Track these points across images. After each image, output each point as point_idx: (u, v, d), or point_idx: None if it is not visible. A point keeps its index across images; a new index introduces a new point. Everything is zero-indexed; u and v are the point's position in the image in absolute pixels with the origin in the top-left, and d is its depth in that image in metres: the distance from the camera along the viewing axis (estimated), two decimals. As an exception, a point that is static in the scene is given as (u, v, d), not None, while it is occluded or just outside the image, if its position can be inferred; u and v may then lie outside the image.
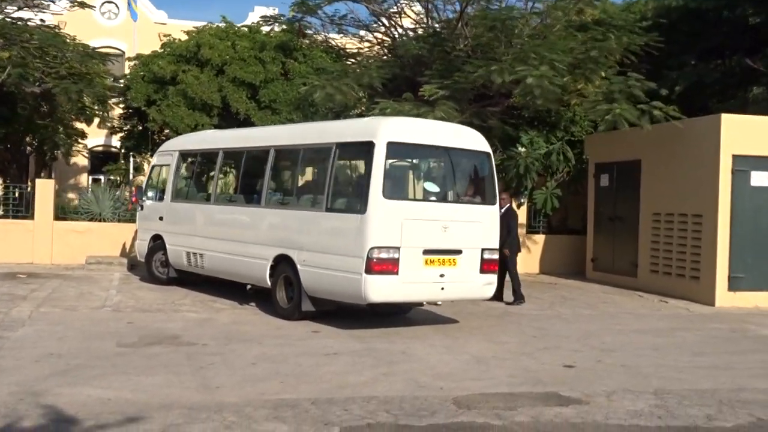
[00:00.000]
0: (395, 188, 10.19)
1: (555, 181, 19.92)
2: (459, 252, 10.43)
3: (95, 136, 27.33)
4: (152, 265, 14.33)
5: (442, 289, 10.30)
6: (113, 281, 14.52)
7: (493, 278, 10.88)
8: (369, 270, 9.75)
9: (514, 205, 14.32)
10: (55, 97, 16.54)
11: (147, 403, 6.62)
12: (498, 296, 13.48)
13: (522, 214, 19.27)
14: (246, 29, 18.83)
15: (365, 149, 10.00)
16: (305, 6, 17.38)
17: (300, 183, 11.46)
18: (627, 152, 17.07)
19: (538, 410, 6.88)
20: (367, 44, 19.78)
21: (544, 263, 19.64)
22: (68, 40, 17.63)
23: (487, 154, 10.93)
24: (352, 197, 10.28)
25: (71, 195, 19.08)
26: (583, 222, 19.38)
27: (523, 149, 18.89)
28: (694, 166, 14.94)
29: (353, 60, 19.69)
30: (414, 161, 11.15)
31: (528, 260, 18.96)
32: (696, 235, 14.91)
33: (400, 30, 19.24)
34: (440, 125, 11.19)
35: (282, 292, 11.18)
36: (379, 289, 9.84)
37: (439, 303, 12.19)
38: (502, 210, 14.11)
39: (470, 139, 10.87)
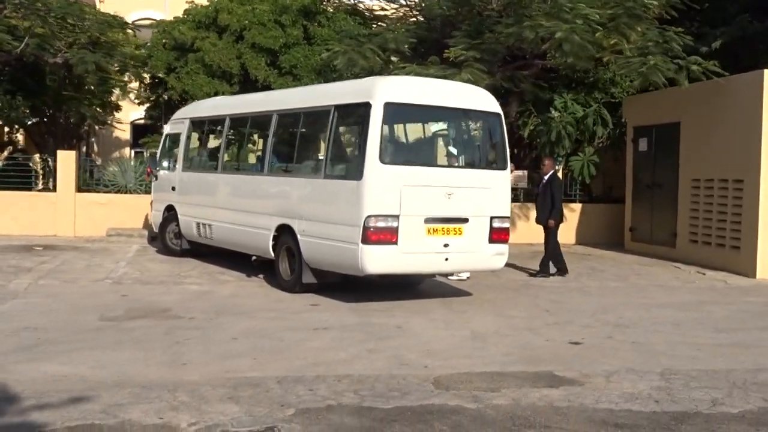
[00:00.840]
0: (394, 152, 9.59)
1: (592, 147, 19.02)
2: (465, 220, 9.80)
3: (137, 109, 27.26)
4: (166, 237, 14.03)
5: (447, 260, 9.70)
6: (128, 253, 14.27)
7: (503, 248, 10.22)
8: (366, 240, 9.20)
9: (558, 173, 13.36)
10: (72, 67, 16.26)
11: (100, 381, 6.22)
12: (561, 270, 12.86)
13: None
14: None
15: (362, 111, 9.41)
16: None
17: (300, 149, 10.92)
18: (665, 114, 16.10)
19: (522, 392, 6.27)
20: (394, 6, 19.06)
21: (581, 233, 18.77)
22: (87, 9, 17.30)
23: (497, 114, 10.21)
24: (349, 163, 9.71)
25: (113, 168, 18.83)
26: (622, 190, 18.46)
27: (556, 113, 18.03)
28: (735, 127, 13.94)
29: (380, 23, 19.00)
30: (415, 123, 10.44)
31: (563, 230, 17.89)
32: (736, 202, 13.94)
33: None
34: (444, 84, 10.51)
35: (285, 264, 10.73)
36: (376, 260, 9.29)
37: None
38: (545, 178, 13.44)
39: (478, 99, 10.17)
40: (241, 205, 11.73)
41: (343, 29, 16.80)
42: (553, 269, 13.00)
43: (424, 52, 17.63)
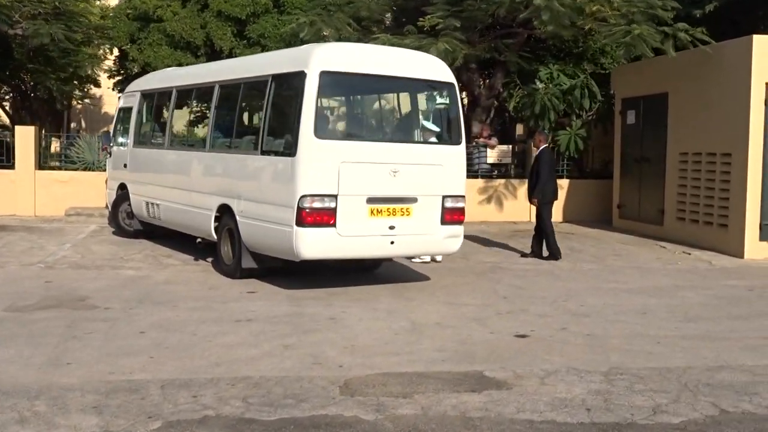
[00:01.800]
0: (331, 126, 8.78)
1: (580, 121, 18.10)
2: (413, 200, 8.99)
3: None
4: (118, 217, 13.30)
5: (392, 243, 8.90)
6: (81, 234, 13.55)
7: (458, 230, 9.41)
8: (300, 222, 8.41)
9: (547, 147, 12.36)
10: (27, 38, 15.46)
11: (-41, 387, 5.49)
12: (536, 252, 12.13)
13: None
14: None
15: (297, 81, 8.58)
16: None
17: (239, 123, 10.11)
18: (653, 85, 15.16)
19: (437, 398, 5.49)
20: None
21: (568, 211, 17.85)
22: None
23: (450, 84, 9.34)
24: (284, 138, 8.88)
25: (80, 144, 18.05)
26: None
27: (541, 85, 17.10)
28: (723, 97, 13.00)
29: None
30: (356, 94, 9.56)
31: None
32: (725, 177, 13.04)
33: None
34: (390, 51, 9.67)
35: (227, 247, 9.97)
36: (312, 244, 8.51)
37: (428, 259, 10.94)
38: (537, 152, 12.65)
39: (429, 68, 9.30)
40: (185, 184, 10.98)
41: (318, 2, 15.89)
42: (545, 252, 12.18)
43: (405, 21, 16.73)
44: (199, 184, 10.57)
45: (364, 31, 16.63)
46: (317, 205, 8.42)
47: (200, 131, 10.90)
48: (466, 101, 21.37)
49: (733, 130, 12.68)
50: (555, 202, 12.85)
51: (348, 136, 8.90)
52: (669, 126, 14.67)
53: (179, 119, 11.52)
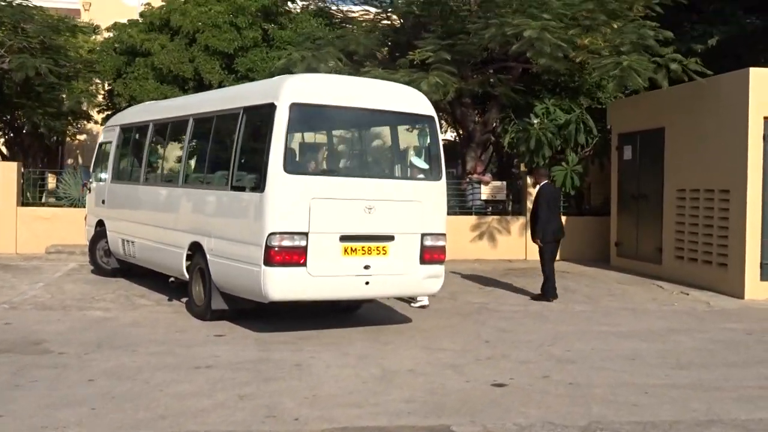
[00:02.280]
0: (302, 160, 8.36)
1: (577, 156, 17.66)
2: (390, 238, 8.53)
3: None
4: (96, 255, 12.87)
5: (367, 283, 8.42)
6: (57, 273, 13.11)
7: (438, 270, 8.93)
8: (268, 261, 7.96)
9: (548, 183, 11.85)
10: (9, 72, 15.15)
11: None
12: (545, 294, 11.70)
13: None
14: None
15: (267, 113, 8.19)
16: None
17: (212, 157, 9.70)
18: (649, 119, 14.75)
19: (395, 458, 4.98)
20: (364, 9, 17.89)
21: (566, 249, 17.11)
22: (33, 11, 16.22)
23: (429, 117, 8.93)
24: (254, 173, 8.45)
25: (65, 180, 17.69)
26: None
27: (536, 119, 16.71)
28: (721, 132, 12.57)
29: (349, 26, 17.80)
30: (329, 127, 9.13)
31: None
32: (723, 214, 12.55)
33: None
34: (366, 83, 9.28)
35: (198, 287, 9.51)
36: (281, 285, 8.04)
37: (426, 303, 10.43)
38: (538, 189, 12.22)
39: (407, 100, 8.90)
40: (158, 220, 10.57)
41: (305, 32, 15.56)
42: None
43: (399, 56, 16.44)
44: (171, 220, 10.17)
45: (355, 65, 16.36)
46: (287, 243, 7.97)
47: (174, 166, 10.51)
48: (456, 136, 21.14)
49: (731, 165, 12.23)
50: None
51: (320, 171, 8.48)
52: (666, 162, 14.23)
53: (155, 154, 11.14)
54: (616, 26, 13.48)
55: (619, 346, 8.63)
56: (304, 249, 8.04)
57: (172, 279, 10.52)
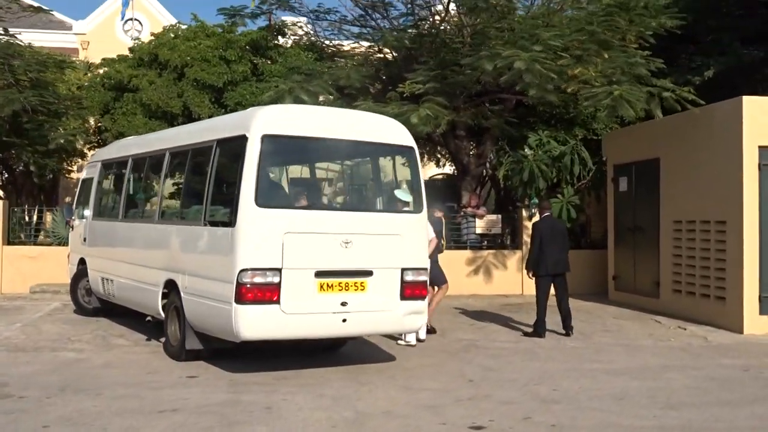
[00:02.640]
0: (275, 194, 8.06)
1: (572, 188, 17.39)
2: (368, 273, 8.23)
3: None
4: (77, 294, 12.58)
5: (344, 321, 8.09)
6: (39, 313, 12.81)
7: (420, 306, 8.61)
8: (240, 298, 7.65)
9: (548, 216, 11.53)
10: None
11: None
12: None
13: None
14: (219, 29, 16.96)
15: (238, 145, 7.95)
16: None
17: (187, 192, 9.45)
18: (644, 150, 14.48)
19: None
20: (350, 42, 17.78)
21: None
22: (21, 48, 16.11)
23: (409, 148, 8.66)
24: (225, 207, 8.18)
25: (52, 218, 17.45)
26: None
27: (530, 151, 16.44)
28: (715, 162, 12.28)
29: (340, 59, 17.66)
30: (303, 159, 8.85)
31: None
32: (720, 246, 12.21)
33: (388, 24, 17.13)
34: (343, 113, 9.02)
35: (174, 326, 9.19)
36: (252, 323, 7.72)
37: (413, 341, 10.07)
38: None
39: (386, 131, 8.64)
40: (135, 258, 10.29)
41: (294, 65, 15.39)
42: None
43: (392, 89, 16.27)
44: (148, 258, 9.89)
45: (347, 98, 16.19)
46: (258, 280, 7.67)
47: (150, 202, 10.26)
48: (454, 170, 20.85)
49: (727, 196, 11.92)
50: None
51: (294, 204, 8.16)
52: (661, 193, 13.92)
53: (133, 189, 10.88)
54: (607, 56, 13.26)
55: (608, 384, 8.25)
56: (277, 286, 7.73)
57: (148, 318, 10.21)
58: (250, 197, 7.66)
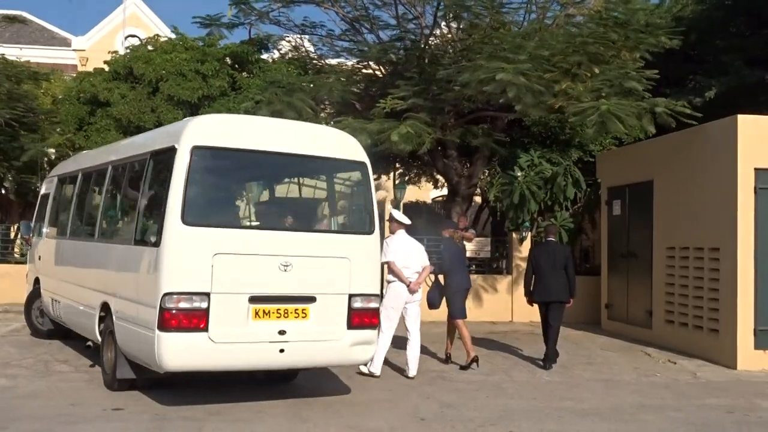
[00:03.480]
0: (205, 210, 7.35)
1: (566, 211, 16.62)
2: (310, 300, 7.52)
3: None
4: (31, 315, 11.92)
5: (282, 351, 7.36)
6: (-8, 334, 12.17)
7: (369, 335, 7.88)
8: (163, 325, 6.96)
9: (547, 241, 10.92)
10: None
11: None
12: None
13: (525, 249, 16.03)
14: (201, 42, 16.39)
15: (168, 158, 7.30)
16: (252, 9, 14.88)
17: (122, 208, 8.79)
18: (638, 172, 13.72)
19: None
20: (338, 59, 17.16)
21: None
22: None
23: (361, 164, 7.95)
24: (153, 224, 7.51)
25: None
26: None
27: (520, 172, 15.71)
28: (709, 184, 11.50)
29: (325, 74, 17.02)
30: (239, 173, 8.10)
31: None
32: (713, 275, 11.40)
33: (375, 38, 16.49)
34: (287, 124, 8.34)
35: (110, 352, 8.47)
36: (176, 353, 7.02)
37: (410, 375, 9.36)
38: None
39: (335, 145, 7.94)
40: (77, 278, 9.65)
41: (273, 80, 14.78)
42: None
43: (377, 105, 15.62)
44: (87, 278, 9.24)
45: (332, 116, 15.55)
46: (184, 305, 6.97)
47: (92, 218, 9.61)
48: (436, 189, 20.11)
49: (721, 221, 11.13)
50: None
51: (226, 222, 7.45)
52: (655, 217, 13.14)
53: (79, 205, 10.25)
54: (597, 71, 12.52)
55: (573, 427, 7.47)
56: (205, 312, 7.03)
57: (89, 343, 9.55)
58: (176, 214, 6.99)
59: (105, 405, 7.72)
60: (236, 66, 16.14)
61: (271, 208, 7.91)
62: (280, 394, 8.44)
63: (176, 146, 7.15)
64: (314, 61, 17.04)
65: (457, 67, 13.37)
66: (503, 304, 16.09)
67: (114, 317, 8.09)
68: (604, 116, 11.40)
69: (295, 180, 7.96)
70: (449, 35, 16.05)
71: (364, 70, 17.14)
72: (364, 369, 9.48)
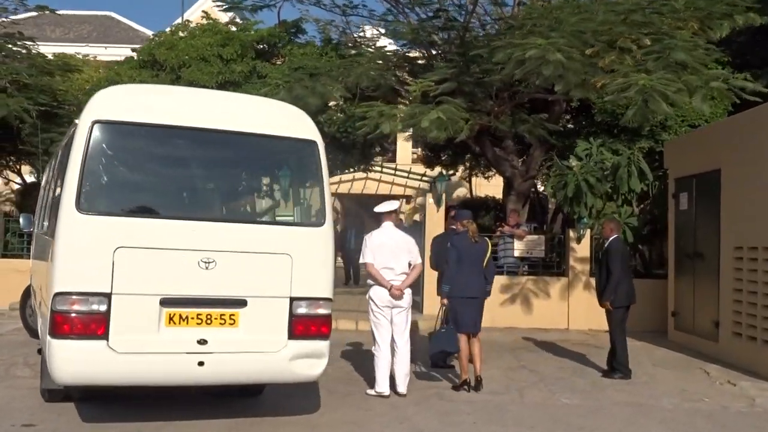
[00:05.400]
0: (106, 197, 6.25)
1: (633, 206, 14.83)
2: (240, 303, 6.30)
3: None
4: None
5: (202, 364, 6.16)
6: (-9, 332, 11.59)
7: (317, 347, 6.57)
8: (54, 330, 5.91)
9: (618, 237, 9.90)
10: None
11: None
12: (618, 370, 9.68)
13: (584, 249, 14.35)
14: (233, 27, 15.47)
15: (72, 135, 6.24)
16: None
17: (54, 196, 7.77)
18: (705, 160, 11.84)
19: None
20: (375, 39, 15.91)
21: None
22: (23, 50, 15.15)
23: (309, 144, 6.66)
24: (55, 213, 6.44)
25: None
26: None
27: (576, 162, 14.02)
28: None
29: (361, 57, 15.80)
30: (152, 153, 6.87)
31: (592, 312, 13.52)
32: (785, 280, 9.51)
33: (415, 16, 15.14)
34: (216, 97, 7.13)
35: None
36: (69, 364, 5.94)
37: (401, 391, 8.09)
38: (606, 244, 9.89)
39: (276, 121, 6.68)
40: (34, 275, 8.78)
41: (299, 65, 13.65)
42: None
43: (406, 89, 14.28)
44: (38, 276, 8.34)
45: (364, 100, 14.32)
46: (79, 307, 5.89)
47: (44, 209, 8.73)
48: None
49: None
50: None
51: (131, 210, 6.30)
52: (722, 212, 11.25)
53: (44, 196, 9.40)
54: (649, 42, 10.77)
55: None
56: (105, 316, 5.93)
57: (40, 347, 8.65)
58: (70, 201, 5.93)
59: (20, 419, 6.77)
60: (266, 51, 15.11)
61: (192, 195, 6.70)
62: (227, 411, 7.25)
63: (76, 121, 6.09)
64: (353, 44, 15.83)
65: (490, 48, 11.90)
66: (558, 309, 14.41)
67: (39, 320, 7.13)
68: (644, 94, 9.66)
69: (225, 162, 6.72)
70: (493, 11, 14.53)
71: (408, 54, 15.86)
72: (371, 391, 8.22)
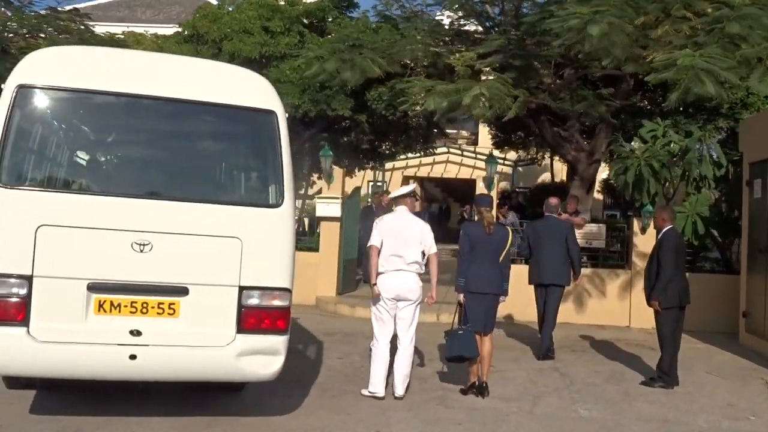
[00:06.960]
0: (28, 168, 5.64)
1: (707, 194, 13.43)
2: (180, 291, 5.62)
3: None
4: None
5: (134, 357, 5.51)
6: None
7: (270, 343, 5.81)
8: (-28, 316, 5.37)
9: (673, 228, 8.67)
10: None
11: None
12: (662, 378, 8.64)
13: (647, 241, 13.06)
14: (282, 1, 14.86)
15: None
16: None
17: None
18: (779, 141, 10.45)
19: None
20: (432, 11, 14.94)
21: (690, 316, 12.87)
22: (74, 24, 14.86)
23: (267, 112, 5.88)
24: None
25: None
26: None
27: (639, 145, 12.76)
28: None
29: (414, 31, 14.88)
30: (85, 122, 6.17)
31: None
32: None
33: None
34: (157, 59, 6.43)
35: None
36: (-14, 353, 5.39)
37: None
38: (659, 235, 8.86)
39: (227, 87, 5.91)
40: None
41: (339, 37, 12.93)
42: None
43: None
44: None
45: (404, 73, 13.48)
46: (-2, 291, 5.34)
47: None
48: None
49: None
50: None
51: (56, 184, 5.67)
52: (797, 201, 9.87)
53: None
54: (710, 9, 9.47)
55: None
56: (25, 300, 5.36)
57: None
58: (-8, 172, 5.36)
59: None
60: (313, 25, 14.42)
61: (127, 170, 6.02)
62: (178, 408, 6.59)
63: (2, 86, 5.53)
64: (407, 17, 14.95)
65: (539, 19, 10.85)
66: (619, 305, 13.21)
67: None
68: (689, 74, 8.39)
69: (168, 134, 6.02)
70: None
71: (463, 28, 14.85)
72: (365, 391, 7.46)
